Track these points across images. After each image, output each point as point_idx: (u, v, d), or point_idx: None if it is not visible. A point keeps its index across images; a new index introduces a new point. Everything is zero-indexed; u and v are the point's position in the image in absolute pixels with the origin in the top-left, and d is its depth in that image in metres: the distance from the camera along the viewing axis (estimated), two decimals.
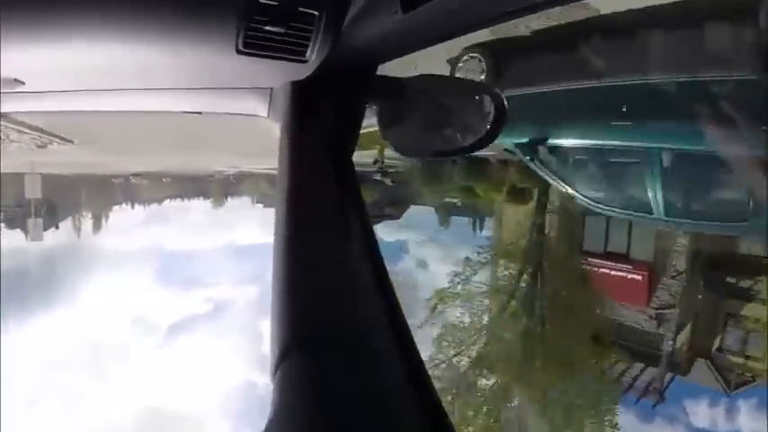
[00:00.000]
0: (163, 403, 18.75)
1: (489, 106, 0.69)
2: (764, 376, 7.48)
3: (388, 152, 7.66)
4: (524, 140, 4.34)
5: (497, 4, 0.60)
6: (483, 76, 4.12)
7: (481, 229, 14.08)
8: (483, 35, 3.96)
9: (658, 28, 3.33)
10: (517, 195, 9.65)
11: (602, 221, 8.83)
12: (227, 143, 8.66)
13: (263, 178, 22.39)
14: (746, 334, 8.08)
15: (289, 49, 0.68)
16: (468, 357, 9.13)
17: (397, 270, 10.57)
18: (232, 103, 0.94)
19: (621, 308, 9.14)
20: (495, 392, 8.91)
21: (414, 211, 14.80)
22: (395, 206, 14.17)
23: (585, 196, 4.46)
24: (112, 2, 0.59)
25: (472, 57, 4.23)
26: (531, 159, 4.44)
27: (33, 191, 11.24)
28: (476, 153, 0.76)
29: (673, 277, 8.83)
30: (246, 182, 23.47)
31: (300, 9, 0.64)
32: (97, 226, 22.24)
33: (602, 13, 3.42)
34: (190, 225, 25.04)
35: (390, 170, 10.01)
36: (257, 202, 23.90)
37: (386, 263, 0.60)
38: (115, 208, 22.77)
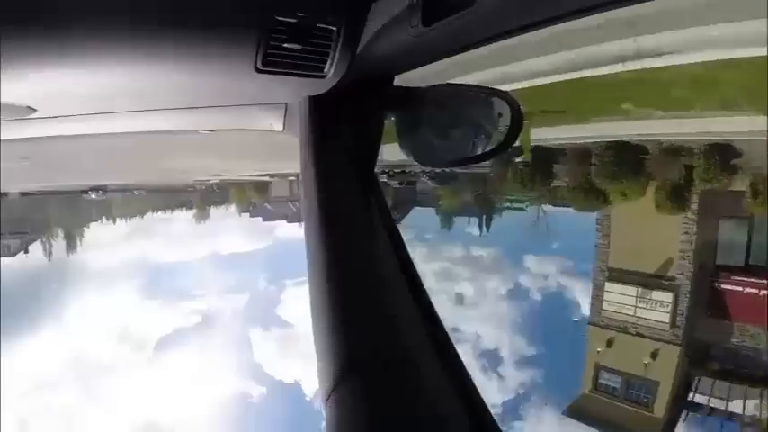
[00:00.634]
0: (156, 419, 18.34)
1: (506, 112, 0.66)
2: None
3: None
4: None
5: (515, 18, 0.58)
6: None
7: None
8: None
9: None
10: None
11: None
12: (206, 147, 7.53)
13: (250, 186, 21.33)
14: None
15: (307, 65, 0.71)
16: None
17: None
18: (248, 120, 0.99)
19: None
20: None
21: (416, 212, 14.33)
22: (398, 208, 13.51)
23: None
24: (136, 26, 0.62)
25: None
26: None
27: None
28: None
29: None
30: (231, 190, 22.35)
31: (319, 25, 0.68)
32: (71, 246, 20.90)
33: None
34: (173, 238, 23.79)
35: (397, 171, 9.64)
36: (244, 212, 22.88)
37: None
38: (92, 225, 21.60)
